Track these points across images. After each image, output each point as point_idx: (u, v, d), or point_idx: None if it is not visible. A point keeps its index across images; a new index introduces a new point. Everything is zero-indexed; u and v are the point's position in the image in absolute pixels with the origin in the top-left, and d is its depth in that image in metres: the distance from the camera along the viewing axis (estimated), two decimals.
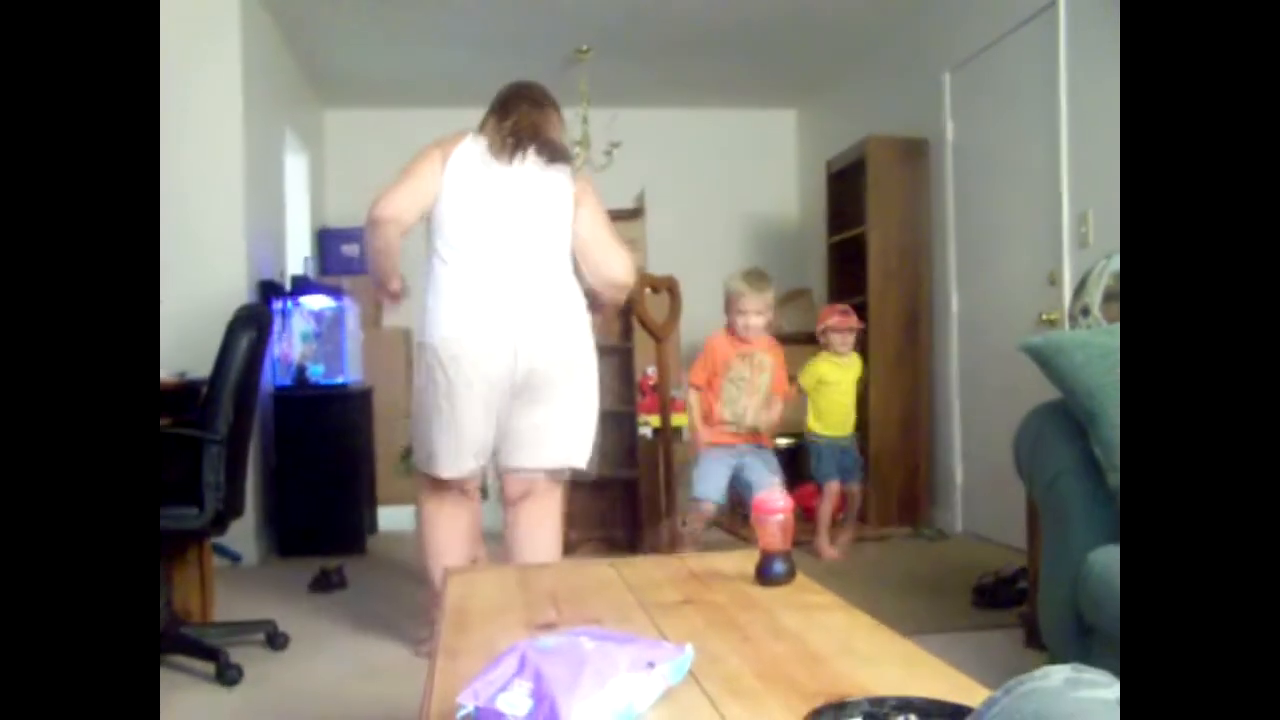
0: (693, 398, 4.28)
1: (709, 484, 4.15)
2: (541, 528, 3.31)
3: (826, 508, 4.72)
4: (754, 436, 4.22)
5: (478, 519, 3.39)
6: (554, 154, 3.20)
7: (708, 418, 4.25)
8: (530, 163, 3.15)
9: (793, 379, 4.51)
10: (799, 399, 4.78)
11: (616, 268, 3.27)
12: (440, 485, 3.21)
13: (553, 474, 3.28)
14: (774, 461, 4.24)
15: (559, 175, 3.20)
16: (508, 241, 3.11)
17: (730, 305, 4.23)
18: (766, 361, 4.24)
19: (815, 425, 4.86)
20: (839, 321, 4.86)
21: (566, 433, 3.19)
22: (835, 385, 4.84)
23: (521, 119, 3.21)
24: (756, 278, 4.24)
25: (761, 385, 4.21)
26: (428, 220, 3.15)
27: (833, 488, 4.77)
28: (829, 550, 4.68)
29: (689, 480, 4.31)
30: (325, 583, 4.27)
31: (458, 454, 3.13)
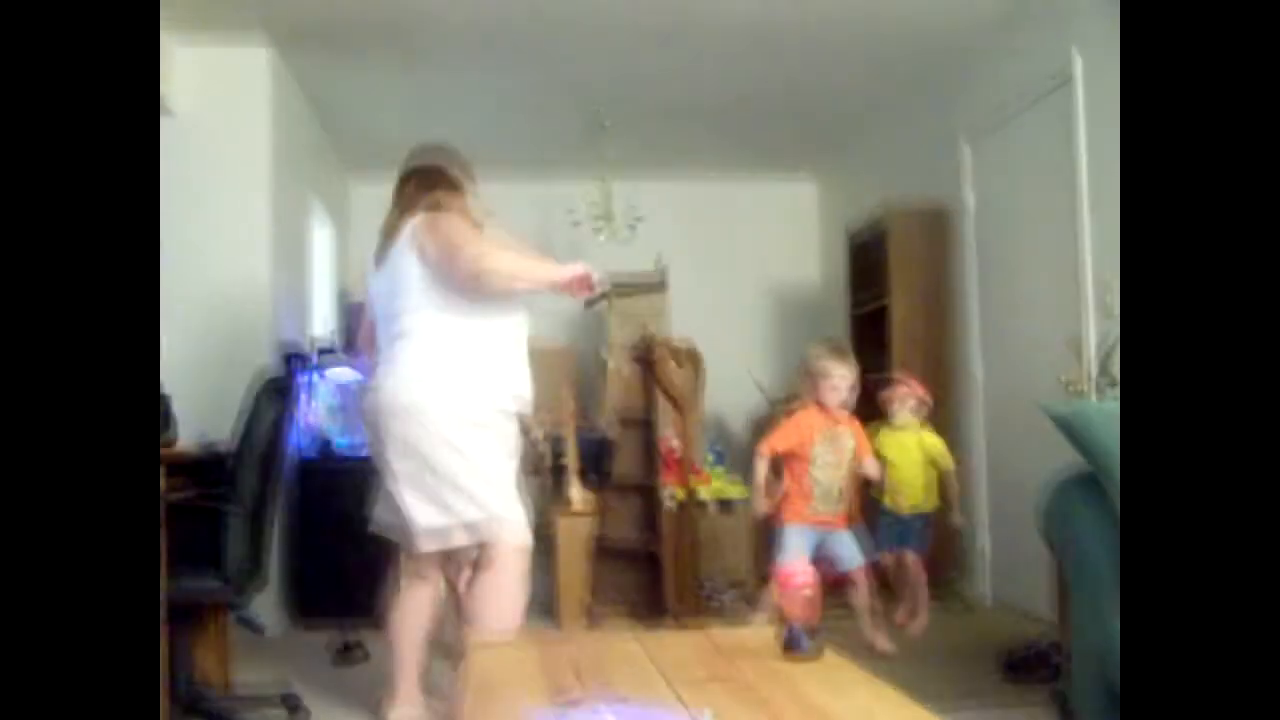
0: (761, 466, 4.12)
1: (791, 557, 3.96)
2: None
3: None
4: (840, 517, 4.13)
5: None
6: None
7: (788, 495, 4.13)
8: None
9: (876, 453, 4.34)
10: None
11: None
12: None
13: None
14: (859, 541, 4.14)
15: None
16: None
17: (815, 380, 4.09)
18: (849, 444, 4.15)
19: (882, 497, 4.69)
20: (892, 390, 4.71)
21: None
22: (893, 463, 4.60)
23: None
24: (840, 350, 4.13)
25: (846, 462, 4.13)
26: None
27: (886, 559, 4.62)
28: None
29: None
30: (348, 655, 4.24)
31: None
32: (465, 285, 3.01)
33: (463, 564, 3.19)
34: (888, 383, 4.76)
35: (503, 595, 3.08)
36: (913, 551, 4.62)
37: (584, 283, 3.07)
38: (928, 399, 4.70)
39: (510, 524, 3.07)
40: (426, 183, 3.25)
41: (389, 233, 3.23)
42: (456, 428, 3.01)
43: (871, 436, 4.53)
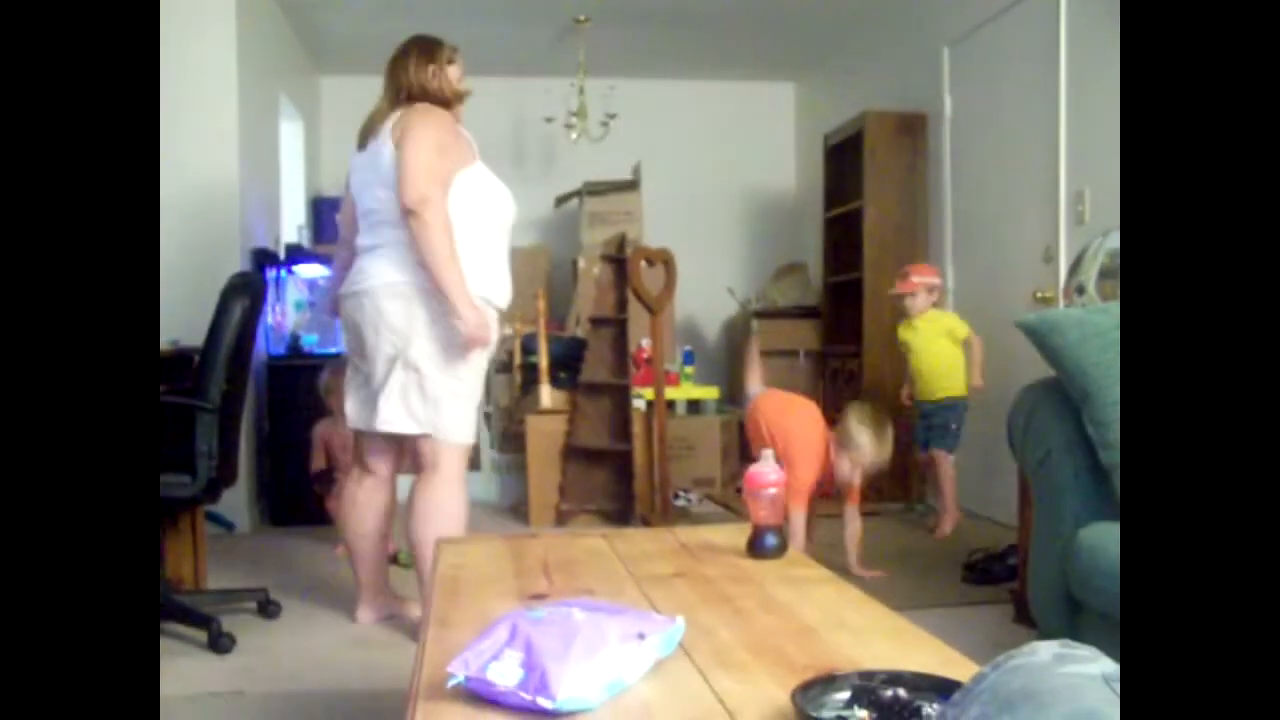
0: (798, 519, 3.74)
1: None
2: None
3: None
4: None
5: None
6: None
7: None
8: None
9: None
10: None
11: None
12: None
13: None
14: None
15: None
16: None
17: (843, 447, 3.76)
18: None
19: (914, 391, 4.74)
20: (898, 287, 4.69)
21: None
22: (913, 350, 4.65)
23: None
24: (883, 429, 3.77)
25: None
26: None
27: (921, 458, 4.71)
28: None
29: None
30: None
31: None
32: (401, 205, 2.96)
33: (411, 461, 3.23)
34: (900, 277, 4.74)
35: (451, 492, 3.13)
36: (942, 449, 4.62)
37: (475, 341, 3.03)
38: (938, 283, 4.71)
39: (463, 429, 3.14)
40: (411, 57, 3.18)
41: (376, 118, 3.17)
42: (439, 320, 3.01)
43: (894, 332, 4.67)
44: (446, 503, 3.11)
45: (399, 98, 3.15)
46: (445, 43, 3.25)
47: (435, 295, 2.99)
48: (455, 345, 3.04)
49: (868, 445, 3.72)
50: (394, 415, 3.06)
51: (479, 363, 3.15)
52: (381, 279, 3.04)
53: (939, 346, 4.62)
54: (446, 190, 3.01)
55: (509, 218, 3.23)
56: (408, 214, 2.94)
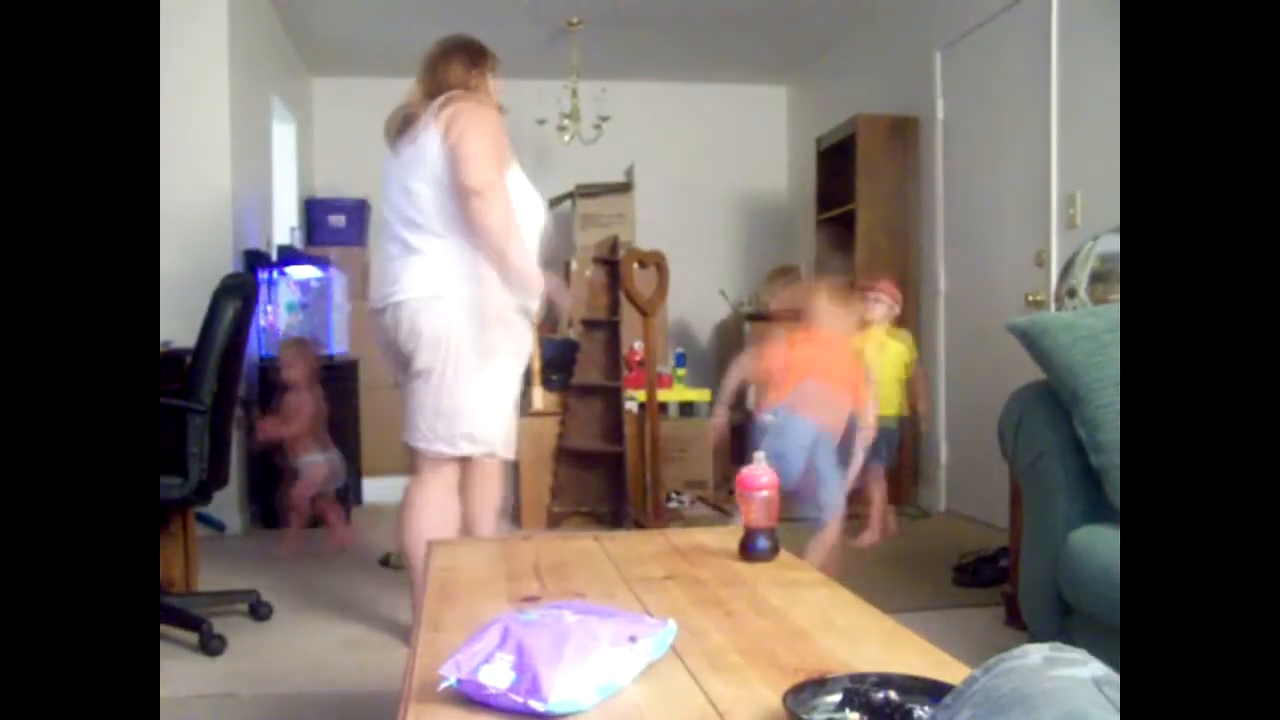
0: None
1: None
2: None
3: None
4: None
5: None
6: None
7: None
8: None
9: None
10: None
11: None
12: None
13: None
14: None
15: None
16: None
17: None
18: None
19: None
20: (861, 290, 4.58)
21: None
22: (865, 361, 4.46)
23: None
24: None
25: None
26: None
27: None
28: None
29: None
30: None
31: None
32: (459, 198, 2.88)
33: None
34: (861, 289, 4.72)
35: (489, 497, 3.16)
36: (877, 464, 4.50)
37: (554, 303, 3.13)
38: (897, 303, 4.64)
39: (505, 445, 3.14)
40: (456, 58, 3.11)
41: (411, 111, 3.05)
42: (479, 333, 2.94)
43: None
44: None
45: (437, 94, 3.02)
46: (491, 51, 3.18)
47: (474, 306, 2.92)
48: (491, 355, 2.97)
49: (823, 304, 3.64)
50: (426, 431, 3.00)
51: (513, 372, 3.11)
52: (418, 291, 2.93)
53: (889, 363, 4.55)
54: (504, 175, 2.95)
55: (541, 224, 3.15)
56: (471, 194, 2.84)
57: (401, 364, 3.04)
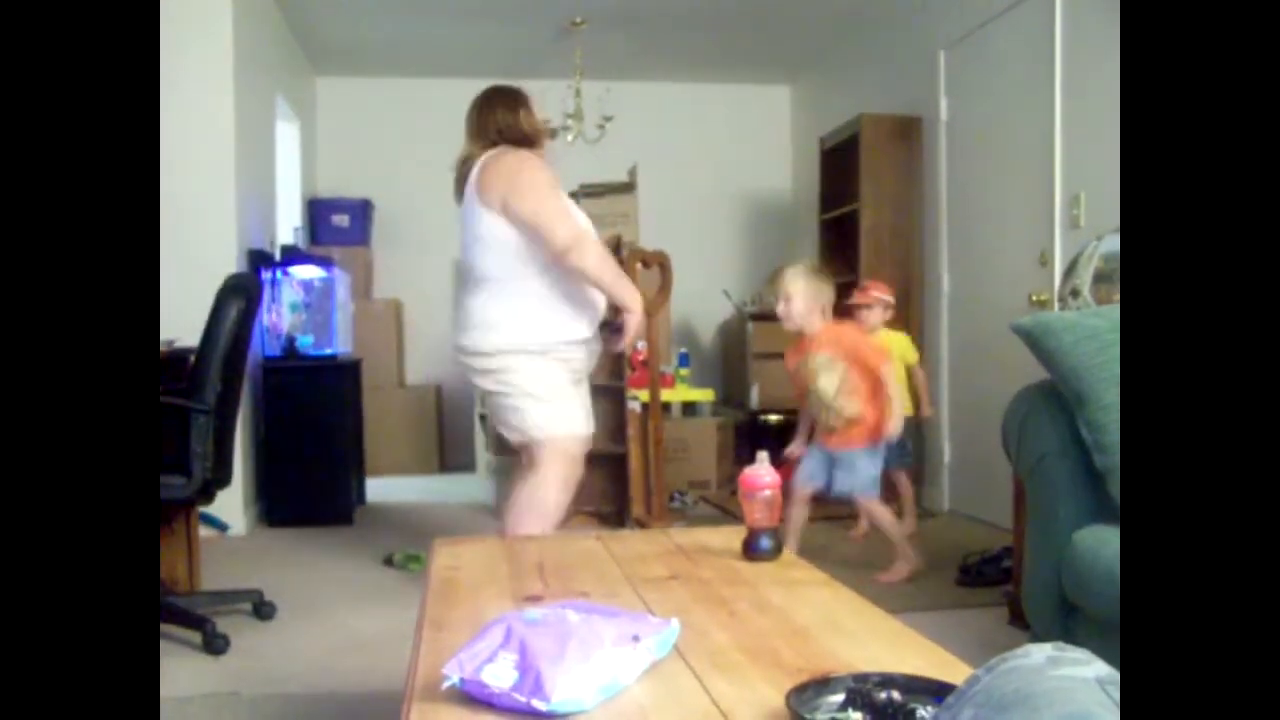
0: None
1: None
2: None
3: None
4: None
5: None
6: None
7: None
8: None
9: None
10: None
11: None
12: None
13: None
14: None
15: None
16: None
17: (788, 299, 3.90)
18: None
19: None
20: (856, 297, 4.60)
21: None
22: None
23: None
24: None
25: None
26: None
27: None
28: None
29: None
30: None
31: None
32: (554, 253, 3.05)
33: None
34: (856, 291, 4.73)
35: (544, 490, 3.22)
36: (899, 470, 4.53)
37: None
38: (892, 302, 4.64)
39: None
40: (499, 104, 3.30)
41: (467, 163, 3.24)
42: (537, 372, 3.16)
43: None
44: (537, 499, 3.20)
45: (488, 140, 3.22)
46: (522, 90, 3.37)
47: (525, 354, 3.12)
48: (551, 386, 3.20)
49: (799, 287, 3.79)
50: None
51: (571, 395, 3.28)
52: (472, 343, 3.15)
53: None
54: (569, 208, 3.14)
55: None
56: (563, 255, 3.03)
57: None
